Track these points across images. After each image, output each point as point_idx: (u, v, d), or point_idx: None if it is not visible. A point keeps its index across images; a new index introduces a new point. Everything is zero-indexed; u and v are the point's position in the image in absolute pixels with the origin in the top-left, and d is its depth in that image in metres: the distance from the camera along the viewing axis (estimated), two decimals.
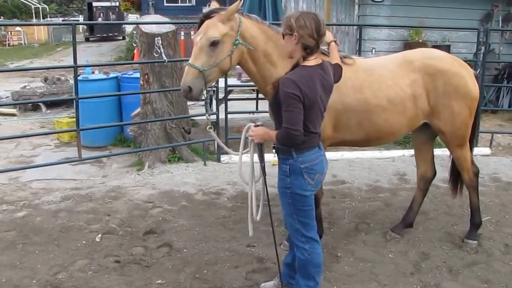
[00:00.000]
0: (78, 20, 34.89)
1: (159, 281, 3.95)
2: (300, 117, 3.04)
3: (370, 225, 4.92)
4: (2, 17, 36.43)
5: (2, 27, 33.15)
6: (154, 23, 6.92)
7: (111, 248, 4.48)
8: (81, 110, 6.31)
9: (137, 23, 7.73)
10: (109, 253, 4.38)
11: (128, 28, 32.42)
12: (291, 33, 3.08)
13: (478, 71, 7.44)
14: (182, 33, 16.43)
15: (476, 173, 4.58)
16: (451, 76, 4.18)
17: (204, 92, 3.61)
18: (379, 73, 4.16)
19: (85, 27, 34.66)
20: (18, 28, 32.18)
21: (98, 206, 5.41)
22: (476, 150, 6.59)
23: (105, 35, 33.22)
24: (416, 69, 4.19)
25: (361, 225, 4.93)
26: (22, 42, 31.81)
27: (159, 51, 6.38)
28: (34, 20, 36.04)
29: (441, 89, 4.17)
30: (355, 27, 10.37)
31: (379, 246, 4.50)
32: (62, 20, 33.12)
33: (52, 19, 38.33)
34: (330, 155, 6.99)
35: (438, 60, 4.26)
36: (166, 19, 7.63)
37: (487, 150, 7.49)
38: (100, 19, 32.68)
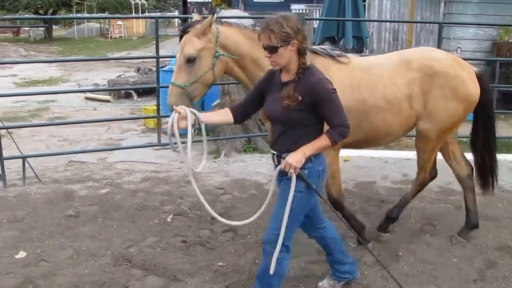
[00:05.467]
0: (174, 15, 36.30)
1: (220, 263, 4.13)
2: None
3: (436, 227, 4.81)
4: (106, 12, 38.63)
5: (106, 21, 35.27)
6: (233, 17, 7.16)
7: (180, 228, 4.74)
8: (163, 98, 6.65)
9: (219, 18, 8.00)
10: (178, 233, 4.63)
11: None
12: (287, 42, 2.90)
13: None
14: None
15: (433, 177, 4.63)
16: (450, 79, 4.00)
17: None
18: (376, 72, 4.02)
19: (179, 21, 35.93)
20: (119, 22, 34.09)
21: (173, 189, 5.72)
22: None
23: None
24: (414, 69, 4.03)
25: (426, 226, 4.83)
26: (123, 35, 33.65)
27: None
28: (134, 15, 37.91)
29: (439, 92, 4.00)
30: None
31: (443, 249, 4.39)
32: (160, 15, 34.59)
33: (149, 13, 40.11)
34: (403, 154, 6.92)
35: (437, 61, 4.07)
36: (245, 14, 7.85)
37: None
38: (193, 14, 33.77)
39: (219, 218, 3.46)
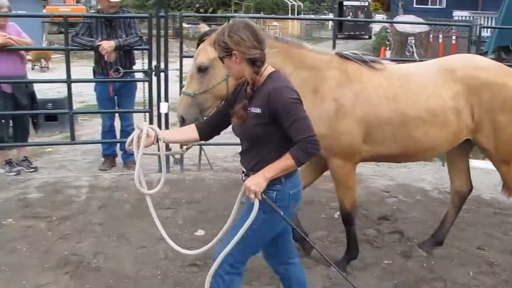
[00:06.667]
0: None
1: (387, 261, 4.27)
2: (310, 122, 2.68)
3: None
4: (261, 12, 40.15)
5: (261, 21, 36.66)
6: (407, 23, 7.17)
7: None
8: None
9: (381, 22, 8.05)
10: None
11: (376, 28, 32.89)
12: (229, 53, 2.66)
13: None
14: (431, 35, 16.17)
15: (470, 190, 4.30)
16: (498, 89, 3.70)
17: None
18: (416, 81, 3.75)
19: (332, 24, 36.22)
20: (274, 23, 35.25)
21: None
22: None
23: (352, 33, 34.23)
24: (458, 80, 3.74)
25: None
26: (277, 36, 34.69)
27: (411, 50, 6.63)
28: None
29: (487, 104, 3.68)
30: None
31: None
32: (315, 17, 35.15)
33: (304, 15, 40.93)
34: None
35: (482, 71, 3.76)
36: (420, 20, 7.81)
37: None
38: (349, 17, 33.81)
39: (169, 241, 2.98)
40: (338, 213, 5.17)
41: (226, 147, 7.47)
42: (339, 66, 3.69)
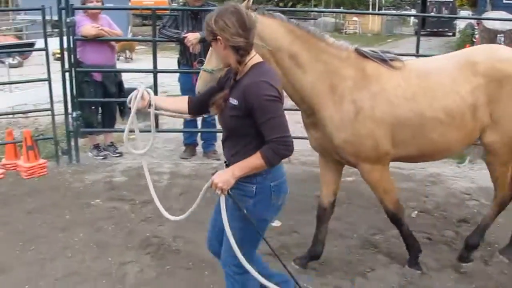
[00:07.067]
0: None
1: (466, 265, 4.15)
2: (286, 121, 2.60)
3: None
4: (341, 7, 39.68)
5: (341, 16, 36.29)
6: (496, 19, 6.87)
7: (425, 226, 4.84)
8: None
9: (468, 18, 7.77)
10: (422, 230, 4.74)
11: (460, 25, 31.65)
12: (214, 38, 2.61)
13: None
14: None
15: None
16: None
17: None
18: (435, 79, 3.59)
19: (416, 20, 35.17)
20: (354, 18, 34.76)
21: (417, 187, 5.86)
22: None
23: (435, 30, 33.09)
24: (480, 73, 3.57)
25: None
26: (357, 31, 34.25)
27: None
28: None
29: (508, 98, 3.54)
30: None
31: None
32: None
33: (385, 11, 40.05)
34: None
35: (506, 63, 3.49)
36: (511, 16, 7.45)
37: None
38: (432, 13, 32.71)
39: (158, 204, 3.18)
40: (415, 212, 5.12)
41: (304, 141, 7.52)
42: (356, 64, 3.56)
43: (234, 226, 2.71)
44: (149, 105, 2.91)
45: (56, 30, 7.09)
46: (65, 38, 6.08)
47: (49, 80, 6.22)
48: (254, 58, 2.69)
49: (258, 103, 2.53)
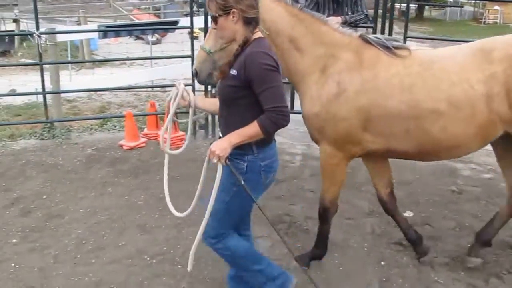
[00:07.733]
0: None
1: None
2: (284, 92, 2.69)
3: None
4: None
5: (480, 5, 34.01)
6: None
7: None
8: None
9: None
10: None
11: None
12: (226, 12, 2.60)
13: None
14: None
15: None
16: None
17: None
18: (440, 67, 3.30)
19: None
20: (496, 7, 32.40)
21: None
22: None
23: None
24: (496, 60, 3.24)
25: None
26: (498, 21, 31.95)
27: None
28: None
29: None
30: None
31: None
32: None
33: None
34: None
35: None
36: None
37: None
38: None
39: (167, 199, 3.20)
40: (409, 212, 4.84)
41: None
42: (356, 49, 3.43)
43: (220, 196, 2.82)
44: (189, 105, 3.02)
45: (201, 9, 7.51)
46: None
47: (192, 56, 6.59)
48: (257, 33, 2.80)
49: (257, 72, 2.62)
